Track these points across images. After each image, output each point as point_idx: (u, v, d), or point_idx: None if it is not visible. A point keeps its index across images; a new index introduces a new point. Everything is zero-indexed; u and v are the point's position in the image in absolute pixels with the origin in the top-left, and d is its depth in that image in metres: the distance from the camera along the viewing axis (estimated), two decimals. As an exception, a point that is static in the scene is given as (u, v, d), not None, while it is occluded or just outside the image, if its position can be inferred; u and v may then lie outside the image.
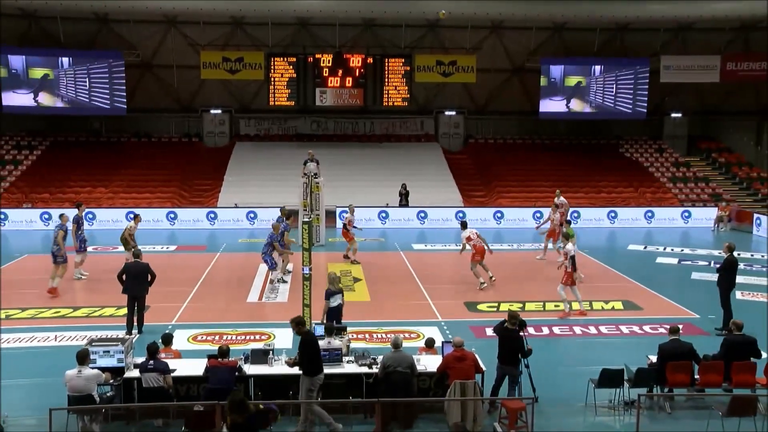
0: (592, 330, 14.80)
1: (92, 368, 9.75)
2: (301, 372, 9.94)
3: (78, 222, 19.31)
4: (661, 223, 29.71)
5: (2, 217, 28.01)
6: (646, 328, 14.87)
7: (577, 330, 14.79)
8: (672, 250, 24.27)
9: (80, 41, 33.21)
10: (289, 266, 19.23)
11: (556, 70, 34.40)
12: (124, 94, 33.06)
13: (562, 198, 23.36)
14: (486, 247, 17.79)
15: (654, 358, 11.00)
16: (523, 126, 37.61)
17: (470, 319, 15.52)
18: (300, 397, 9.92)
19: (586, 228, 28.83)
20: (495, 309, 16.26)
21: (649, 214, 30.08)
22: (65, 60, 32.34)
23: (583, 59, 34.80)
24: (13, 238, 26.19)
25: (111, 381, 10.06)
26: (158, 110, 36.07)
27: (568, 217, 22.53)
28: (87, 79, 32.45)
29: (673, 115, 37.43)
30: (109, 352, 10.33)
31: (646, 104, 34.64)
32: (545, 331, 14.65)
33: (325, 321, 12.51)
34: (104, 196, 30.74)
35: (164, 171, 33.19)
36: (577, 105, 34.71)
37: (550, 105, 34.54)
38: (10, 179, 31.73)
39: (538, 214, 30.00)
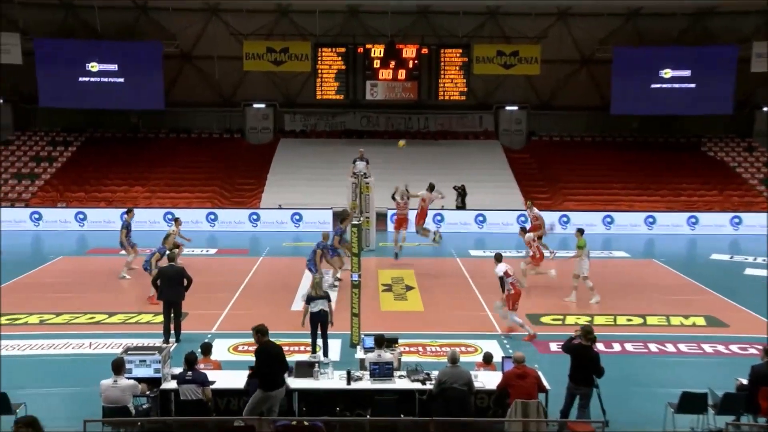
0: (670, 348, 14.43)
1: (128, 378, 9.92)
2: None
3: (128, 228, 20.23)
4: (750, 230, 28.80)
5: (36, 217, 28.88)
6: (733, 347, 14.41)
7: (653, 347, 14.44)
8: (762, 260, 23.48)
9: (118, 31, 34.00)
10: (338, 273, 19.25)
11: (630, 61, 33.64)
12: (163, 87, 33.70)
13: (535, 210, 22.23)
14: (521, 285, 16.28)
15: (744, 381, 10.61)
16: (591, 122, 37.01)
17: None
18: (244, 411, 9.87)
19: (662, 235, 28.20)
20: (560, 322, 16.05)
21: (736, 220, 29.24)
22: (102, 51, 33.11)
23: (660, 48, 34.00)
24: (48, 239, 26.97)
25: (147, 392, 10.22)
26: (198, 104, 36.69)
27: (549, 228, 21.83)
28: (124, 71, 33.18)
29: (765, 109, 36.18)
30: (145, 361, 10.49)
31: (733, 97, 33.57)
32: (616, 347, 14.34)
33: (306, 326, 13.13)
34: (141, 196, 31.42)
35: (204, 169, 33.73)
36: (652, 99, 33.89)
37: (622, 99, 33.81)
38: (45, 177, 32.70)
39: (608, 219, 29.49)
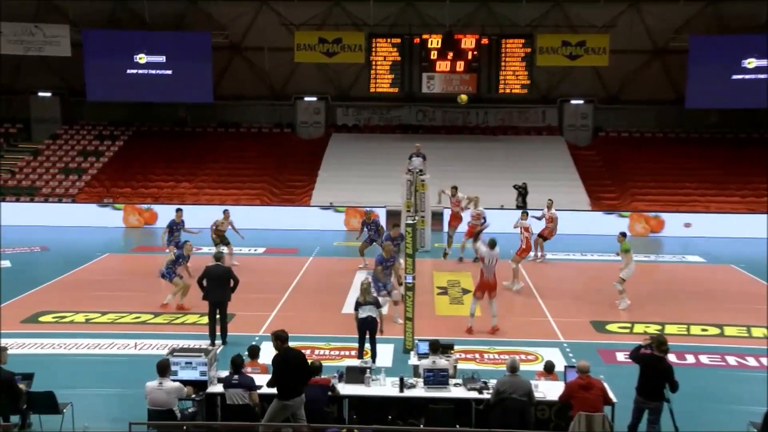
0: (751, 361, 14.04)
1: (173, 381, 10.10)
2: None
3: (172, 227, 20.79)
4: None
5: (83, 213, 29.59)
6: (825, 363, 13.93)
7: (731, 360, 14.07)
8: None
9: (167, 22, 34.64)
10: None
11: (708, 50, 32.75)
12: (212, 79, 34.23)
13: (553, 210, 23.08)
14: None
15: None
16: (663, 117, 36.25)
17: (598, 341, 15.17)
18: (263, 420, 9.87)
19: (742, 238, 27.44)
20: (628, 330, 15.82)
21: (826, 223, 28.21)
22: (150, 42, 33.79)
23: (743, 36, 32.97)
24: (94, 236, 27.66)
25: (193, 396, 10.39)
26: (247, 98, 37.17)
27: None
28: (173, 63, 33.81)
29: None
30: (191, 363, 10.67)
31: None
32: (690, 359, 14.03)
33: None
34: (188, 192, 31.99)
35: (253, 165, 34.16)
36: (733, 91, 32.94)
37: (699, 91, 32.96)
38: (91, 172, 33.57)
39: (682, 221, 28.87)
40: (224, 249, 21.07)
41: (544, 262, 22.71)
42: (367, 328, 12.93)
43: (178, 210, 21.68)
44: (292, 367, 9.92)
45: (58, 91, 37.07)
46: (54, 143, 35.78)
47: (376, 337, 13.16)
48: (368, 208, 23.63)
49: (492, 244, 15.76)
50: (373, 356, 12.91)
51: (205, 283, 14.41)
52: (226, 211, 21.97)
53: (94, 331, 15.41)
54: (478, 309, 16.71)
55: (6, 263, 21.87)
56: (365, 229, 21.47)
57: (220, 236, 21.56)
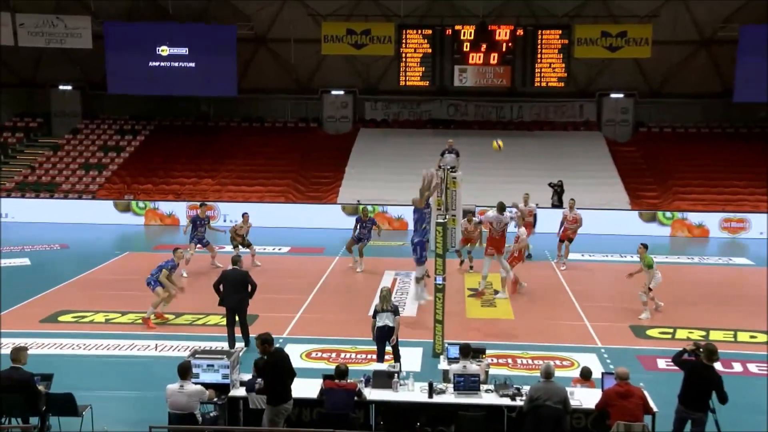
0: (805, 372, 13.79)
1: (195, 383, 10.18)
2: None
3: (195, 222, 21.10)
4: None
5: (101, 209, 29.93)
6: None
7: (782, 369, 13.85)
8: None
9: (190, 14, 34.93)
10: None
11: (760, 41, 32.15)
12: (236, 72, 34.45)
13: (576, 211, 22.92)
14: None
15: None
16: (709, 111, 35.88)
17: (638, 346, 15.06)
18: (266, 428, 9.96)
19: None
20: (669, 336, 15.67)
21: None
22: (173, 34, 34.09)
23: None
24: (114, 233, 27.99)
25: (215, 399, 10.46)
26: (273, 91, 37.37)
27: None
28: (195, 56, 34.08)
29: None
30: (213, 366, 10.74)
31: None
32: (737, 367, 13.83)
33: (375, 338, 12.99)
34: (210, 189, 32.24)
35: (278, 161, 34.33)
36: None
37: (748, 84, 32.44)
38: (112, 167, 33.97)
39: (728, 221, 28.52)
40: (245, 251, 21.19)
41: (566, 265, 22.39)
42: (385, 338, 12.88)
43: (203, 205, 21.88)
44: (281, 370, 10.06)
45: (78, 85, 37.60)
46: (74, 138, 36.27)
47: (396, 343, 13.05)
48: (369, 206, 24.39)
49: (501, 208, 18.96)
50: (396, 358, 12.86)
51: (221, 288, 14.36)
52: (245, 215, 22.06)
53: (113, 331, 15.59)
54: (510, 311, 16.70)
55: (25, 261, 22.21)
56: (358, 227, 21.84)
57: (240, 239, 21.63)
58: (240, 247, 21.37)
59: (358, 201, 30.10)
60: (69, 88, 37.57)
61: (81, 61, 36.22)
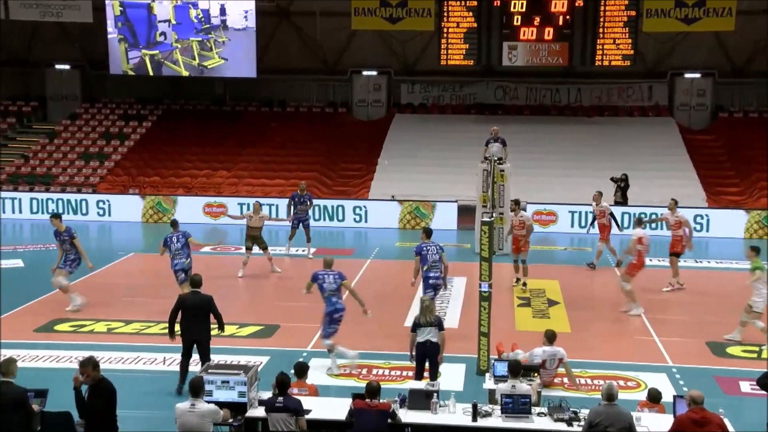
0: None
1: (208, 402, 10.26)
2: None
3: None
4: None
5: (105, 206, 30.34)
6: None
7: None
8: None
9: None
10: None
11: None
12: (255, 50, 34.64)
13: (604, 203, 22.86)
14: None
15: None
16: (804, 94, 35.36)
17: (716, 366, 14.91)
18: None
19: None
20: (755, 355, 15.48)
21: None
22: (185, 5, 34.35)
23: None
24: (118, 232, 28.31)
25: (230, 420, 10.53)
26: (296, 71, 37.52)
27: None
28: (209, 31, 34.31)
29: None
30: (228, 382, 10.82)
31: None
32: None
33: (413, 357, 12.83)
34: (226, 182, 32.49)
35: (302, 150, 34.50)
36: None
37: None
38: (115, 157, 34.39)
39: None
40: (258, 252, 21.27)
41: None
42: (427, 355, 12.78)
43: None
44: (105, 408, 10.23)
45: (77, 64, 38.05)
46: (73, 124, 36.76)
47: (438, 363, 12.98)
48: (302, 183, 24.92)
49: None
50: (433, 375, 12.84)
51: (179, 316, 13.39)
52: (256, 203, 22.09)
53: (116, 342, 15.77)
54: (567, 323, 16.66)
55: (18, 263, 22.53)
56: (294, 204, 23.38)
57: (252, 237, 21.46)
58: (251, 249, 21.36)
59: (393, 197, 30.15)
60: (67, 67, 38.09)
61: (80, 37, 36.66)
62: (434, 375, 12.82)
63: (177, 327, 13.30)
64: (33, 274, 21.38)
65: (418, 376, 12.95)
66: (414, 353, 12.92)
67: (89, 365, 10.16)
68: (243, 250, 21.85)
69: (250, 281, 21.24)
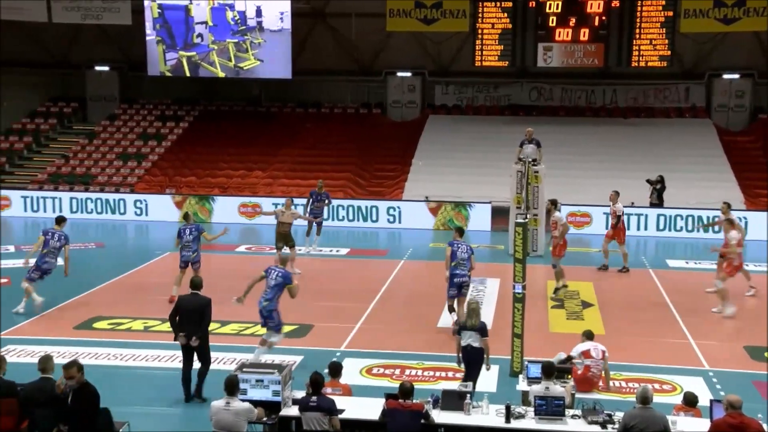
0: None
1: (242, 400, 10.33)
2: None
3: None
4: None
5: (142, 205, 30.64)
6: None
7: None
8: None
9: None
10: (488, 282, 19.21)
11: None
12: (290, 52, 34.76)
13: (619, 204, 22.66)
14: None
15: None
16: None
17: (754, 371, 14.73)
18: None
19: None
20: (793, 360, 15.25)
21: None
22: (222, 7, 34.57)
23: None
24: (155, 232, 28.57)
25: (264, 419, 10.60)
26: (331, 72, 37.64)
27: None
28: (245, 33, 34.52)
29: None
30: (262, 381, 10.87)
31: None
32: None
33: (460, 361, 12.66)
34: (261, 182, 32.66)
35: (336, 151, 34.60)
36: None
37: None
38: (152, 158, 34.72)
39: None
40: (286, 252, 21.34)
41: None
42: (468, 359, 12.72)
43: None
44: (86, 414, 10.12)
45: (116, 65, 38.47)
46: (111, 124, 37.20)
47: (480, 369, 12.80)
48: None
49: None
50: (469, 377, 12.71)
51: (178, 319, 13.15)
52: (288, 199, 22.10)
53: (153, 340, 15.91)
54: (601, 325, 16.57)
55: (58, 261, 22.79)
56: (312, 201, 23.85)
57: (282, 235, 21.38)
58: (281, 249, 21.26)
59: (427, 197, 30.13)
60: (106, 68, 38.52)
61: (119, 38, 37.09)
62: (472, 378, 12.68)
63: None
64: (73, 272, 21.58)
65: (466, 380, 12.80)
66: (460, 357, 12.82)
67: (74, 367, 10.16)
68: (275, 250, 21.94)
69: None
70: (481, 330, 12.58)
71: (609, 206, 23.05)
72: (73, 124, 38.36)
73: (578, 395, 11.71)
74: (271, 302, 14.33)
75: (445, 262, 16.70)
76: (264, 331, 14.59)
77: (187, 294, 13.35)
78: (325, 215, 25.40)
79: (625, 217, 23.15)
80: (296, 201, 24.93)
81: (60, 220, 18.67)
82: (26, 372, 10.99)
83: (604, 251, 22.76)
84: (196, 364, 12.98)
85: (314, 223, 24.22)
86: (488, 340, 12.66)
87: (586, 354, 12.93)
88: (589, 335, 13.33)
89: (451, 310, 16.80)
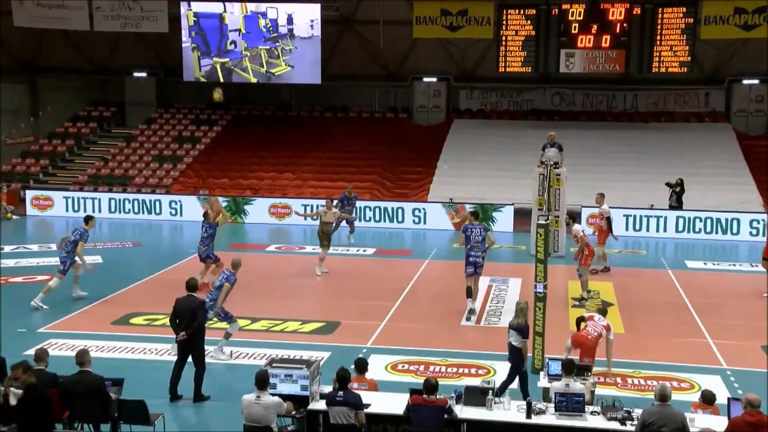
0: None
1: (272, 395, 10.38)
2: None
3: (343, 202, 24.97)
4: None
5: (177, 206, 30.83)
6: None
7: None
8: None
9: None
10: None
11: None
12: (320, 58, 34.87)
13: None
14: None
15: None
16: None
17: (772, 370, 14.57)
18: None
19: None
20: (811, 360, 15.08)
21: None
22: (254, 15, 34.74)
23: None
24: (189, 231, 28.73)
25: (293, 412, 10.64)
26: (359, 78, 37.73)
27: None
28: (277, 40, 34.66)
29: None
30: (291, 376, 10.90)
31: None
32: None
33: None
34: (291, 184, 32.79)
35: (364, 154, 34.65)
36: None
37: None
38: (186, 160, 34.95)
39: None
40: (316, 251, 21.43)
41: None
42: (510, 357, 12.61)
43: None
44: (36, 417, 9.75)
45: (153, 71, 38.77)
46: (148, 128, 37.50)
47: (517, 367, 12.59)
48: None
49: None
50: (501, 389, 12.49)
51: (177, 321, 12.99)
52: (328, 200, 22.17)
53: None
54: (621, 324, 16.48)
55: (97, 259, 23.04)
56: (344, 205, 24.81)
57: (326, 234, 21.55)
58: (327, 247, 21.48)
59: (451, 199, 30.08)
60: (144, 74, 38.82)
61: (156, 45, 37.40)
62: (510, 375, 12.59)
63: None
64: (111, 269, 21.84)
65: (509, 381, 12.65)
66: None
67: (19, 368, 10.15)
68: (307, 249, 22.03)
69: (310, 280, 21.30)
70: (522, 331, 12.49)
71: (597, 208, 23.02)
72: (112, 128, 38.69)
73: (597, 392, 11.64)
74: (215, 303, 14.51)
75: (459, 242, 18.16)
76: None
77: (183, 296, 13.14)
78: (353, 215, 26.44)
79: (604, 219, 22.73)
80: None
81: (86, 219, 18.98)
82: (66, 365, 11.10)
83: (598, 254, 22.35)
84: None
85: (345, 223, 25.44)
86: (528, 342, 12.61)
87: (590, 318, 13.74)
88: (602, 311, 14.07)
89: (468, 294, 17.49)
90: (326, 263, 21.41)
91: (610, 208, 22.82)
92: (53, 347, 14.47)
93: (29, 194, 31.79)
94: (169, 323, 13.21)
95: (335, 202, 23.26)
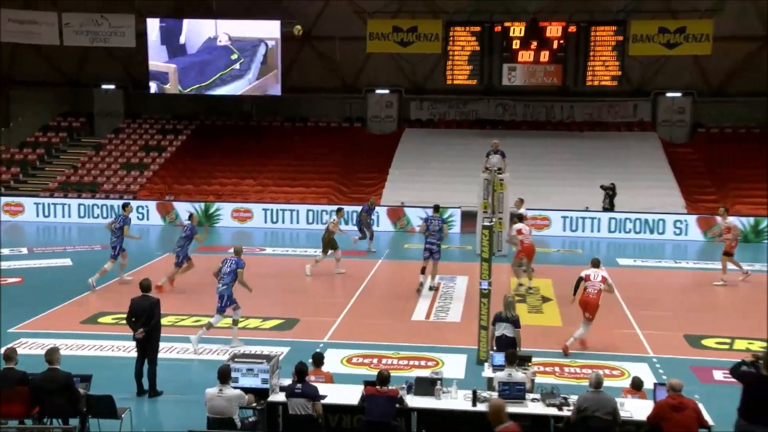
0: None
1: (234, 388, 10.30)
2: None
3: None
4: None
5: (144, 211, 30.44)
6: None
7: None
8: None
9: (234, 9, 35.09)
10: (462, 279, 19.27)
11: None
12: (280, 72, 34.72)
13: (730, 219, 21.83)
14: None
15: None
16: (775, 111, 35.13)
17: (692, 357, 14.87)
18: None
19: None
20: (727, 347, 15.40)
21: None
22: (215, 31, 34.46)
23: None
24: (155, 234, 28.46)
25: (254, 404, 10.57)
26: (316, 90, 37.57)
27: None
28: (238, 54, 34.42)
29: None
30: (252, 370, 10.83)
31: None
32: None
33: (494, 350, 12.49)
34: (252, 189, 32.56)
35: (321, 161, 34.53)
36: None
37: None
38: (153, 167, 34.52)
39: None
40: (324, 256, 21.38)
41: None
42: (501, 349, 12.54)
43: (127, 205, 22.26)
44: None
45: (121, 84, 38.27)
46: (116, 138, 36.94)
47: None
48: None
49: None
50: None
51: (134, 320, 12.79)
52: (340, 210, 23.30)
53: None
54: (558, 318, 16.60)
55: (67, 261, 22.68)
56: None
57: (332, 242, 21.46)
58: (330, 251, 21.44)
59: (402, 203, 30.14)
60: (112, 87, 38.29)
61: (124, 59, 36.89)
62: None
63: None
64: (80, 272, 21.48)
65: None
66: (494, 346, 12.75)
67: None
68: (267, 250, 21.94)
69: (271, 279, 21.20)
70: (515, 322, 12.72)
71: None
72: (81, 138, 38.01)
73: (537, 380, 11.74)
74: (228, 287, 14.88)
75: (420, 229, 20.15)
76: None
77: (138, 296, 12.88)
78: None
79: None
80: (287, 207, 25.31)
81: (123, 206, 20.87)
82: (37, 363, 10.90)
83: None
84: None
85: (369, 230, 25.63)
86: (520, 332, 12.75)
87: (586, 277, 14.74)
88: (595, 263, 15.18)
89: (422, 272, 19.23)
90: (290, 264, 21.33)
91: (527, 210, 23.10)
92: (24, 346, 14.22)
93: (1, 201, 31.16)
94: (126, 322, 13.03)
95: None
